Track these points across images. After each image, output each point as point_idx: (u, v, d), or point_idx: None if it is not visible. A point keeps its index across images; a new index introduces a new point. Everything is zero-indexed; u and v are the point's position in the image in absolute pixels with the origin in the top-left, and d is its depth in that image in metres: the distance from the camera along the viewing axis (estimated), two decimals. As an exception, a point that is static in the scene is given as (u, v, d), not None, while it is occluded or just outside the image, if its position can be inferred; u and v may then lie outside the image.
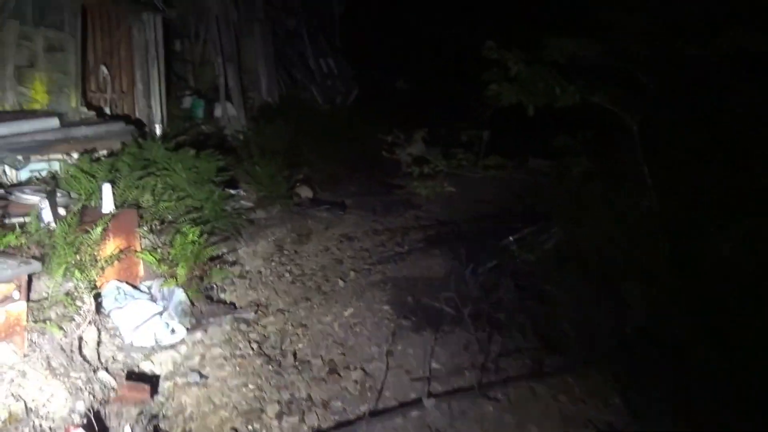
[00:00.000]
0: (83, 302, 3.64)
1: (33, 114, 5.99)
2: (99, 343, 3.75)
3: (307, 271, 5.61)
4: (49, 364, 3.30)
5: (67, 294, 3.58)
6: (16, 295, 3.23)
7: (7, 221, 4.13)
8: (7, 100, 6.04)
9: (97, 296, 3.85)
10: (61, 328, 3.41)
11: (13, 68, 6.11)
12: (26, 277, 3.28)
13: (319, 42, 12.66)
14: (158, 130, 7.85)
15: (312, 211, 7.21)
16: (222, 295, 4.82)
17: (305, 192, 8.08)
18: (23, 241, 3.59)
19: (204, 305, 4.52)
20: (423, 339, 4.16)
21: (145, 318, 4.18)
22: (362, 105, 12.02)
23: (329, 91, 12.15)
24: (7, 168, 5.21)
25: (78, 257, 3.78)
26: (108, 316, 4.12)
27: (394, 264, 5.59)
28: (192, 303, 4.41)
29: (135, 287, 4.45)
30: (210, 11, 9.71)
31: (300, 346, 4.24)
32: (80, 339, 3.62)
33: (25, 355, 3.33)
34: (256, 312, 4.63)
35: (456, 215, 7.03)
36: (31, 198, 4.43)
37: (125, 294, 4.31)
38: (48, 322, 3.39)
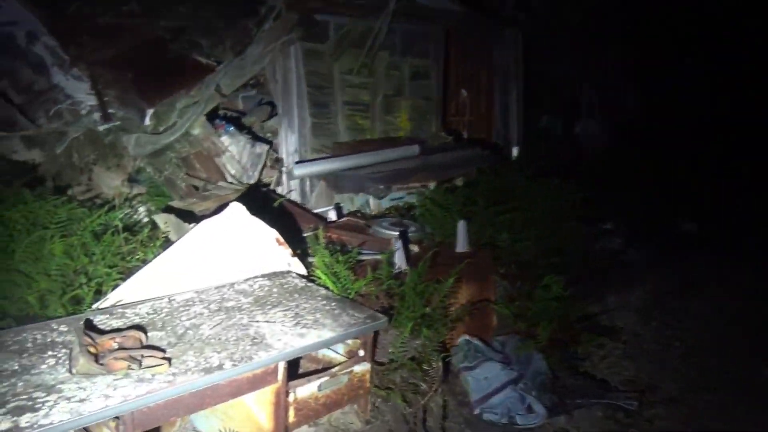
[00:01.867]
0: (430, 365, 3.08)
1: (396, 141, 5.98)
2: (444, 415, 3.13)
3: (704, 342, 4.13)
4: (391, 434, 2.82)
5: (413, 359, 3.05)
6: (361, 353, 2.83)
7: (362, 257, 3.90)
8: (375, 128, 6.19)
9: (446, 357, 3.25)
10: (404, 400, 2.88)
11: (383, 97, 6.24)
12: (372, 334, 2.85)
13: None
14: (515, 152, 7.27)
15: (695, 254, 5.59)
16: (589, 366, 3.79)
17: (688, 226, 6.44)
18: (372, 289, 3.23)
19: (568, 378, 3.57)
20: None
21: (496, 384, 3.43)
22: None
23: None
24: (371, 199, 5.18)
25: (427, 308, 3.24)
26: (456, 374, 3.49)
27: None
28: (554, 374, 3.49)
29: (487, 343, 3.74)
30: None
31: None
32: (425, 409, 3.05)
33: (367, 422, 2.90)
34: (638, 399, 3.45)
35: None
36: (389, 233, 4.16)
37: (476, 351, 3.64)
38: (392, 389, 2.90)
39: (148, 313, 2.71)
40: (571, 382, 3.55)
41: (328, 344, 2.66)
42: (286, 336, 2.56)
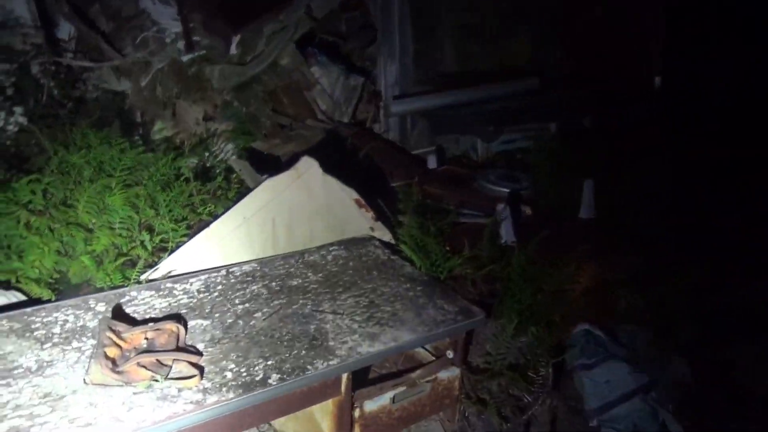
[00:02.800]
0: (537, 372, 2.45)
1: (512, 73, 5.10)
2: (553, 427, 2.53)
3: None
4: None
5: (514, 366, 2.43)
6: (450, 354, 2.27)
7: (464, 218, 3.26)
8: (488, 57, 5.31)
9: (558, 361, 2.59)
10: (501, 415, 2.30)
11: (497, 19, 5.31)
12: (464, 334, 2.27)
13: None
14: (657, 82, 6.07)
15: None
16: (747, 378, 2.97)
17: None
18: (468, 271, 2.61)
19: (717, 392, 2.80)
20: None
21: (621, 391, 2.76)
22: None
23: None
24: (478, 142, 4.46)
25: (538, 296, 2.58)
26: (570, 373, 2.84)
27: None
28: (697, 385, 2.75)
29: (611, 335, 3.03)
30: None
31: None
32: (528, 421, 2.47)
33: (455, 433, 2.38)
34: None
35: None
36: (497, 190, 3.47)
37: (597, 344, 2.95)
38: (487, 401, 2.33)
39: (198, 291, 2.29)
40: (721, 398, 2.78)
41: (404, 349, 2.11)
42: (354, 336, 2.04)
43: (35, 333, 1.97)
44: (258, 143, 4.08)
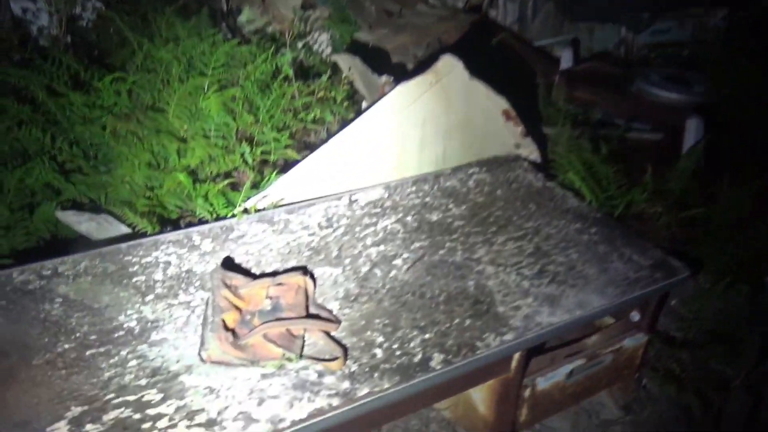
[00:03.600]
0: (741, 344, 1.91)
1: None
2: (756, 410, 2.04)
3: None
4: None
5: (716, 334, 1.89)
6: (636, 317, 1.77)
7: (634, 135, 2.61)
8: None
9: None
10: (700, 395, 1.81)
11: None
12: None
13: None
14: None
15: None
16: None
17: None
18: (657, 209, 2.02)
19: None
20: None
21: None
22: None
23: None
24: (623, 31, 3.65)
25: (753, 247, 1.99)
26: None
27: None
28: None
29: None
30: None
31: None
32: (721, 405, 1.97)
33: (626, 409, 1.93)
34: None
35: None
36: (665, 95, 2.76)
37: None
38: (678, 373, 1.84)
39: (320, 226, 1.86)
40: None
41: (594, 319, 1.62)
42: (527, 300, 1.56)
43: (134, 279, 1.60)
44: (362, 34, 3.47)
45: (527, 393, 1.61)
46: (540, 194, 2.07)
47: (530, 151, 2.36)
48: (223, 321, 1.34)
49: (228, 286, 1.46)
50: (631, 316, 1.80)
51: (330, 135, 2.73)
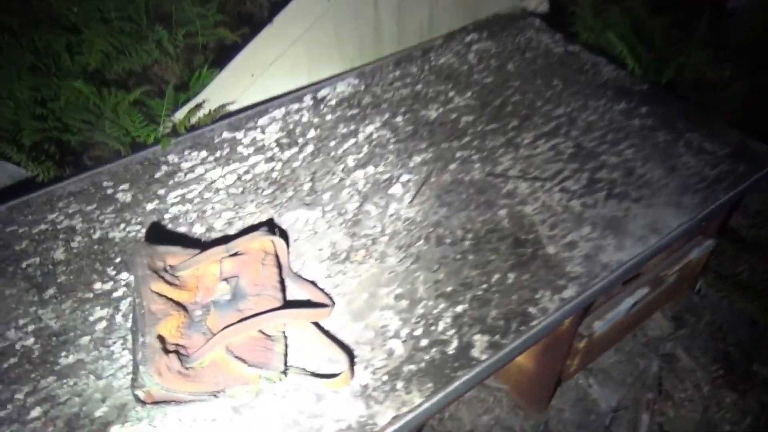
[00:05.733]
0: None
1: None
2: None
3: None
4: None
5: None
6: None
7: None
8: None
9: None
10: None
11: None
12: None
13: None
14: None
15: None
16: None
17: None
18: (725, 73, 1.54)
19: None
20: None
21: None
22: None
23: None
24: None
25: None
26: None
27: None
28: None
29: None
30: None
31: None
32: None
33: (677, 321, 1.62)
34: None
35: None
36: None
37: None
38: (749, 281, 1.50)
39: (279, 144, 1.35)
40: None
41: (676, 242, 1.20)
42: (582, 229, 1.14)
43: (23, 265, 1.10)
44: None
45: (582, 343, 1.24)
46: (563, 64, 1.56)
47: (538, 1, 1.80)
48: (160, 338, 0.88)
49: (160, 271, 0.97)
50: (695, 218, 1.40)
51: (274, 3, 2.09)
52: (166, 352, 0.87)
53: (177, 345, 0.90)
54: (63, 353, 0.96)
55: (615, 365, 1.57)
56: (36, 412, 0.89)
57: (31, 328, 1.00)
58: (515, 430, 1.46)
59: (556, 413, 1.49)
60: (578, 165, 1.26)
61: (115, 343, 0.97)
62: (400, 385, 0.90)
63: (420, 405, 0.88)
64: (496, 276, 1.05)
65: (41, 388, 0.91)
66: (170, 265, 1.00)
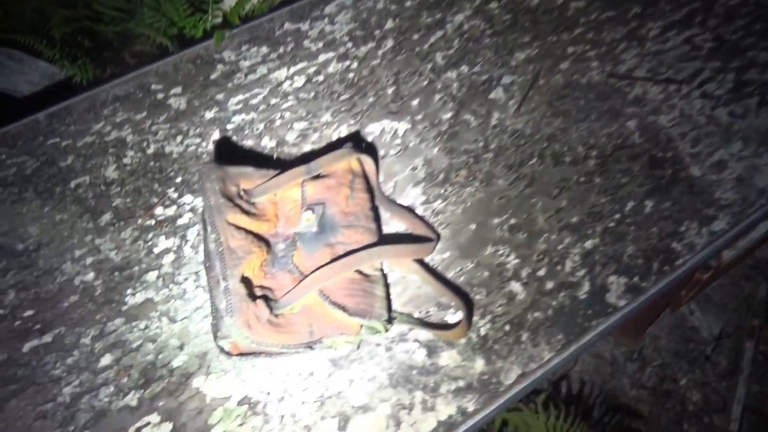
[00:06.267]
0: None
1: None
2: None
3: None
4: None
5: None
6: None
7: None
8: None
9: None
10: None
11: None
12: None
13: None
14: None
15: None
16: None
17: None
18: None
19: None
20: None
21: None
22: None
23: None
24: None
25: None
26: None
27: None
28: None
29: None
30: None
31: None
32: None
33: None
34: None
35: None
36: None
37: None
38: None
39: (353, 37, 1.14)
40: None
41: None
42: (731, 146, 0.94)
43: (72, 184, 0.96)
44: None
45: (707, 274, 1.08)
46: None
47: None
48: (245, 281, 0.74)
49: (235, 198, 0.82)
50: None
51: None
52: (253, 297, 0.73)
53: (263, 287, 0.76)
54: (129, 291, 0.83)
55: (717, 289, 1.42)
56: (106, 359, 0.78)
57: (89, 260, 0.87)
58: (605, 357, 1.35)
59: (651, 340, 1.36)
60: (721, 63, 1.03)
61: (186, 279, 0.84)
62: (525, 336, 0.76)
63: (550, 360, 0.75)
64: (631, 204, 0.88)
65: (109, 332, 0.80)
66: (244, 190, 0.84)
